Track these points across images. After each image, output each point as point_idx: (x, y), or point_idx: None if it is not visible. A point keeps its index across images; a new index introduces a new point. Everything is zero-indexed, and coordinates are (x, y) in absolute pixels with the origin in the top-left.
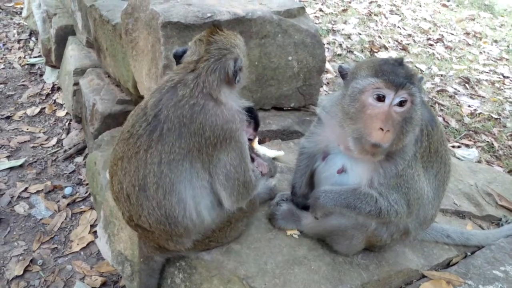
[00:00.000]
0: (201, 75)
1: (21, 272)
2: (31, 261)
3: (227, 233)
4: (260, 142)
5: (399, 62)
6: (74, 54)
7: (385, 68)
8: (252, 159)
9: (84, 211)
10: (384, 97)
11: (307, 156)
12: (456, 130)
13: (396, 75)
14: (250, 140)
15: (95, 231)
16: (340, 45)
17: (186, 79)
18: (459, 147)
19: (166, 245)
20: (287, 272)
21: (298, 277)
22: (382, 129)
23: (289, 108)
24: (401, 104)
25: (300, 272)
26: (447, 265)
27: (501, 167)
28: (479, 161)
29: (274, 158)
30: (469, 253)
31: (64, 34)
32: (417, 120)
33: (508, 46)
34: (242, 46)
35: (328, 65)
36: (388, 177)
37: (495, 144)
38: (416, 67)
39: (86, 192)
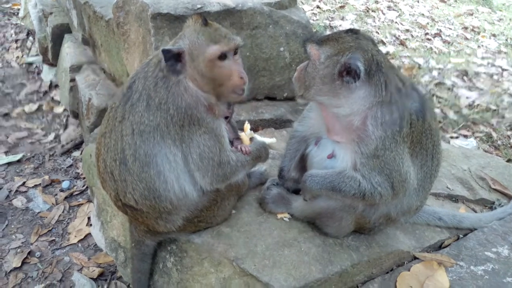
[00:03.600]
0: None
1: (19, 264)
2: (29, 253)
3: (215, 212)
4: (253, 131)
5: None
6: (70, 52)
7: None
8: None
9: (82, 204)
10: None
11: (298, 140)
12: (454, 121)
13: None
14: (227, 118)
15: None
16: None
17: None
18: (457, 137)
19: (156, 226)
20: (277, 253)
21: (288, 258)
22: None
23: (282, 98)
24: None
25: (290, 253)
26: (439, 247)
27: (499, 156)
28: None
29: None
30: (461, 235)
31: (60, 32)
32: (312, 74)
33: (506, 40)
34: None
35: None
36: (365, 156)
37: (494, 135)
38: (414, 61)
39: (84, 186)
